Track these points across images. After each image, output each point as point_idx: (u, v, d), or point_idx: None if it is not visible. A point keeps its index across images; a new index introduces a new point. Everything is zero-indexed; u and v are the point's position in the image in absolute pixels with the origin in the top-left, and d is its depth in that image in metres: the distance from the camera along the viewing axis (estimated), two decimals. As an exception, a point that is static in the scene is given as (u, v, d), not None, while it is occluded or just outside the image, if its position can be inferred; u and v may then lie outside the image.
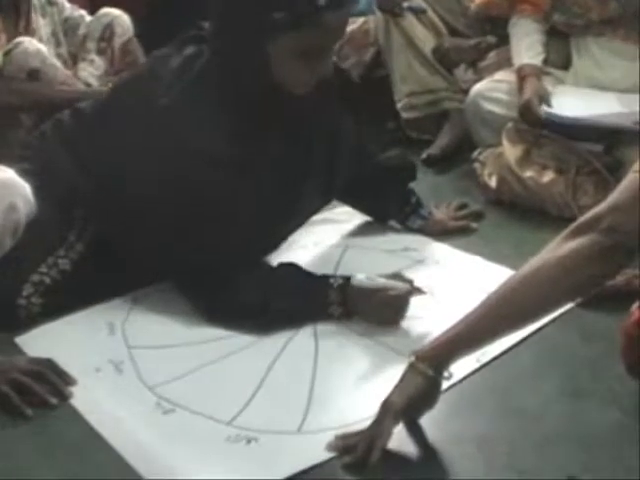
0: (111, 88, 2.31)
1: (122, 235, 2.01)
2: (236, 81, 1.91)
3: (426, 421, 1.57)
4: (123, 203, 1.98)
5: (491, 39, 3.05)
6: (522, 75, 2.69)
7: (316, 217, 2.26)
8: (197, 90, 1.91)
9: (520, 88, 2.66)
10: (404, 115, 3.13)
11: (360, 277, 1.95)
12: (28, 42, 2.63)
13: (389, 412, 1.49)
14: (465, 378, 1.73)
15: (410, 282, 1.95)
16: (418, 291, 1.95)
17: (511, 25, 2.85)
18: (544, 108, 2.58)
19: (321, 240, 2.33)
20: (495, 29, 3.01)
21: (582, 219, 1.49)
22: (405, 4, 3.03)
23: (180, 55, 1.98)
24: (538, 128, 2.58)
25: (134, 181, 1.94)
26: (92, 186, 2.02)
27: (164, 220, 1.92)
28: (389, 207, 2.40)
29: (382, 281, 1.95)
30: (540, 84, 2.65)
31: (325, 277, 1.98)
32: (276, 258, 2.11)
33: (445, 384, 1.56)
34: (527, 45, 2.76)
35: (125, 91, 2.11)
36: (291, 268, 2.01)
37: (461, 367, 1.63)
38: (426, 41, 3.08)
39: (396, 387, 1.51)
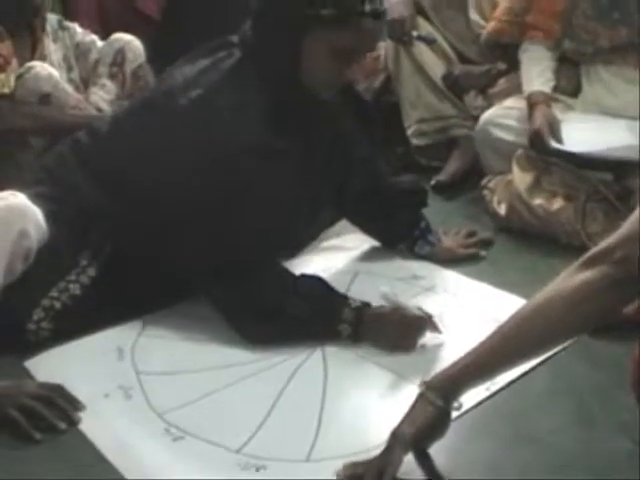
0: (127, 105, 2.33)
1: (145, 245, 2.01)
2: (266, 76, 1.95)
3: (436, 449, 1.56)
4: (151, 208, 1.98)
5: (501, 66, 3.05)
6: (532, 102, 2.69)
7: (325, 244, 2.27)
8: (231, 81, 1.95)
9: (530, 116, 2.66)
10: (414, 141, 3.14)
11: (385, 289, 1.96)
12: (40, 66, 2.65)
13: (398, 442, 1.49)
14: (475, 406, 1.72)
15: (429, 316, 1.96)
16: (435, 327, 1.95)
17: (522, 51, 2.86)
18: (553, 143, 2.58)
19: (330, 266, 2.32)
20: (505, 56, 3.01)
21: (594, 250, 1.48)
22: (415, 33, 3.05)
23: (207, 58, 2.02)
24: (547, 157, 2.58)
25: (161, 187, 1.95)
26: (114, 204, 2.03)
27: (196, 218, 1.93)
28: (398, 231, 2.40)
29: (404, 303, 1.97)
30: (550, 112, 2.66)
31: (346, 296, 2.00)
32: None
33: (455, 413, 1.55)
34: (537, 72, 2.77)
35: (149, 101, 2.12)
36: (314, 278, 2.04)
37: (471, 396, 1.62)
38: (436, 68, 3.09)
39: (406, 417, 1.51)
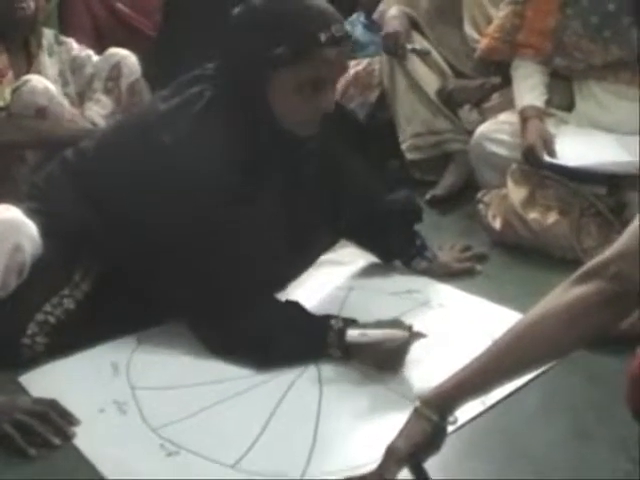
0: (113, 126, 2.33)
1: (128, 271, 2.01)
2: (239, 117, 1.94)
3: (431, 464, 1.55)
4: (131, 240, 1.98)
5: (495, 80, 3.06)
6: (524, 117, 2.69)
7: (321, 258, 2.26)
8: (200, 127, 1.93)
9: (523, 130, 2.66)
10: (408, 156, 3.14)
11: (353, 334, 1.93)
12: (36, 80, 2.65)
13: (393, 457, 1.47)
14: (470, 421, 1.72)
15: (409, 328, 1.95)
16: (418, 335, 1.94)
17: (513, 68, 2.86)
18: (546, 157, 2.58)
19: (326, 281, 2.32)
20: (500, 70, 3.02)
21: (588, 265, 1.48)
22: (409, 46, 3.05)
23: (182, 95, 2.01)
24: (541, 171, 2.58)
25: (140, 219, 1.95)
26: (98, 223, 2.03)
27: (173, 255, 1.93)
28: (394, 247, 2.40)
29: (378, 333, 1.93)
30: (542, 126, 2.66)
31: (327, 318, 1.98)
32: (282, 298, 2.10)
33: (450, 428, 1.54)
34: (529, 87, 2.77)
35: (127, 130, 2.12)
36: (293, 306, 2.02)
37: (466, 410, 1.61)
38: (430, 83, 3.10)
39: (401, 432, 1.49)
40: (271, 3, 1.91)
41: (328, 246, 2.29)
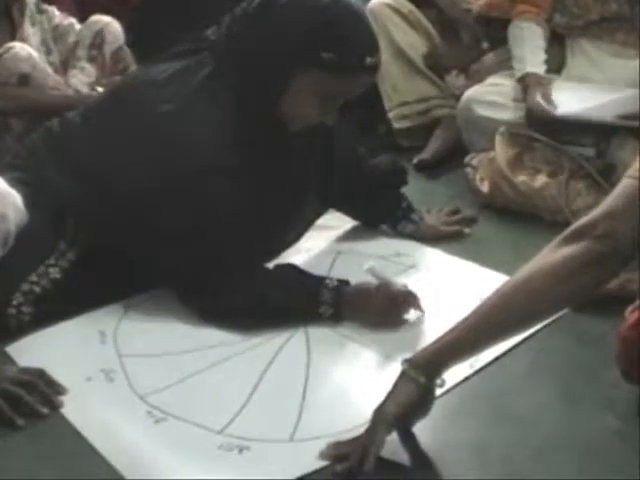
0: (102, 95, 2.30)
1: (116, 242, 1.99)
2: (244, 97, 1.92)
3: (420, 428, 1.56)
4: (120, 211, 1.96)
5: (484, 44, 3.04)
6: (526, 84, 2.67)
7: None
8: (203, 98, 1.92)
9: (525, 95, 2.64)
10: (395, 125, 3.11)
11: (371, 264, 1.96)
12: (19, 47, 2.62)
13: (382, 420, 1.48)
14: (459, 384, 1.71)
15: (414, 295, 1.95)
16: (418, 304, 1.94)
17: (512, 27, 2.82)
18: (555, 110, 2.55)
19: (313, 246, 2.30)
20: (489, 32, 3.00)
21: (576, 225, 1.47)
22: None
23: (180, 64, 1.99)
24: (541, 132, 2.56)
25: (133, 188, 1.93)
26: (83, 194, 2.01)
27: (164, 227, 1.92)
28: (380, 212, 2.39)
29: (386, 276, 1.97)
30: (545, 91, 2.63)
31: (322, 277, 1.99)
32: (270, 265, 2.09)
33: (438, 391, 1.54)
34: (530, 51, 2.74)
35: (119, 98, 2.10)
36: (288, 266, 2.02)
37: (454, 373, 1.62)
38: (416, 48, 3.07)
39: (389, 395, 1.49)
40: (332, 8, 1.88)
41: (319, 215, 2.27)
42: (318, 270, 2.11)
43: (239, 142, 1.91)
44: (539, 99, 2.57)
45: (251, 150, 1.93)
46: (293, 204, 2.07)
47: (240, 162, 1.90)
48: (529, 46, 2.75)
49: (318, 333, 1.92)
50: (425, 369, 1.48)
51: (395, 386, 1.50)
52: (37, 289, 1.95)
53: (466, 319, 1.49)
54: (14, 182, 1.94)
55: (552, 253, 1.46)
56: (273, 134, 1.97)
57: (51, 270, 1.98)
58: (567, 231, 1.48)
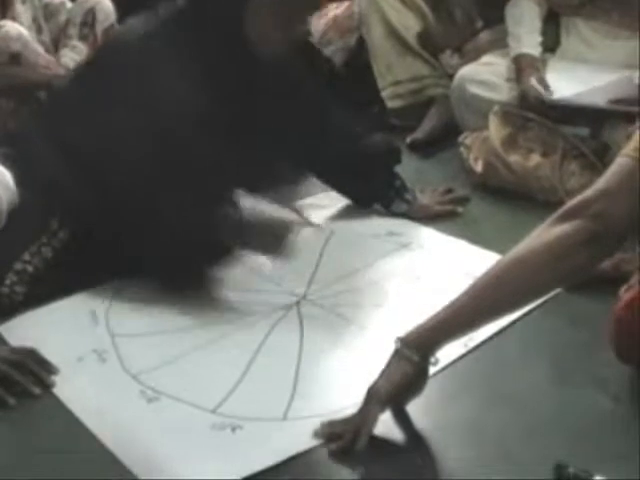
0: (83, 64, 2.30)
1: (101, 220, 1.98)
2: (208, 29, 1.94)
3: (413, 407, 1.56)
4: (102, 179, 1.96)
5: (479, 23, 3.03)
6: (520, 65, 2.66)
7: (299, 203, 2.24)
8: (165, 34, 1.95)
9: (519, 77, 2.64)
10: (389, 104, 3.10)
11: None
12: (10, 26, 2.60)
13: (375, 399, 1.47)
14: (452, 364, 1.71)
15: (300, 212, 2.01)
16: (308, 222, 2.00)
17: (510, 5, 2.81)
18: (547, 95, 2.55)
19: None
20: (483, 11, 2.99)
21: (569, 204, 1.47)
22: None
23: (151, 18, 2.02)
24: (526, 113, 2.55)
25: (109, 151, 1.93)
26: (67, 172, 1.99)
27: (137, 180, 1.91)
28: (373, 190, 2.38)
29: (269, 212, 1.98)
30: (539, 74, 2.62)
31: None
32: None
33: (432, 370, 1.54)
34: (526, 32, 2.72)
35: (94, 65, 2.11)
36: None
37: (448, 353, 1.61)
38: (409, 27, 3.05)
39: (382, 373, 1.49)
40: None
41: (290, 181, 2.26)
42: (311, 249, 2.11)
43: (203, 82, 1.91)
44: (533, 83, 2.56)
45: (215, 91, 1.93)
46: (247, 149, 2.04)
47: (203, 103, 1.90)
48: (526, 26, 2.74)
49: (311, 312, 1.93)
50: (419, 347, 1.48)
51: (388, 364, 1.50)
52: (30, 268, 1.94)
53: (459, 297, 1.49)
54: (4, 159, 1.93)
55: (546, 232, 1.46)
56: (241, 68, 1.98)
57: (43, 250, 1.97)
58: (561, 210, 1.47)
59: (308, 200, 2.43)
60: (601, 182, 1.46)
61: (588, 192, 1.46)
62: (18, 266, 1.94)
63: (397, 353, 1.49)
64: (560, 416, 1.58)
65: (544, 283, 1.50)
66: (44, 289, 1.95)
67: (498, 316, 1.55)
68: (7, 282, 1.92)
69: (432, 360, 1.51)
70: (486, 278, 1.48)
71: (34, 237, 1.98)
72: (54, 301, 1.96)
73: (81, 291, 2.01)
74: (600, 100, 2.45)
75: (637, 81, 2.40)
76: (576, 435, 1.52)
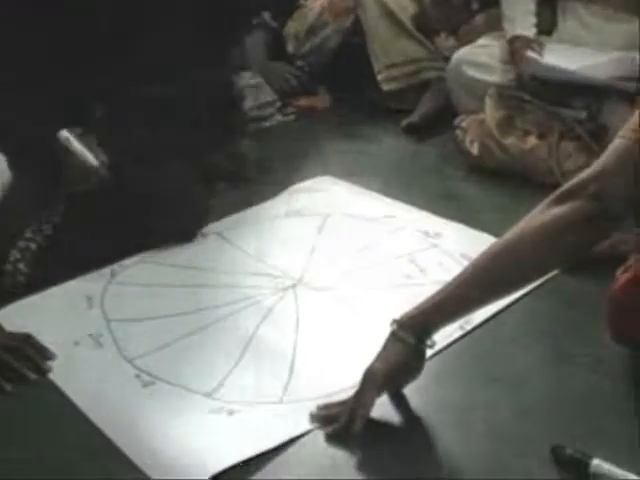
0: None
1: None
2: None
3: (409, 389, 1.56)
4: None
5: (474, 5, 3.01)
6: (515, 47, 2.65)
7: (295, 186, 2.26)
8: None
9: (514, 60, 2.63)
10: (384, 87, 3.08)
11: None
12: None
13: (371, 382, 1.47)
14: (449, 346, 1.71)
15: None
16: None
17: None
18: (545, 63, 2.53)
19: (302, 208, 2.31)
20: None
21: (567, 185, 1.46)
22: None
23: None
24: (537, 94, 2.54)
25: None
26: None
27: None
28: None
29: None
30: (533, 57, 2.61)
31: None
32: (253, 228, 2.08)
33: (428, 352, 1.54)
34: (521, 14, 2.71)
35: None
36: None
37: (445, 335, 1.61)
38: (405, 9, 3.04)
39: (378, 356, 1.49)
40: None
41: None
42: (308, 231, 2.11)
43: None
44: (529, 54, 2.55)
45: None
46: None
47: None
48: (520, 8, 2.72)
49: (307, 295, 1.93)
50: (414, 330, 1.48)
51: (384, 347, 1.49)
52: (33, 246, 1.96)
53: (456, 279, 1.48)
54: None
55: (542, 213, 1.46)
56: None
57: (44, 227, 2.00)
58: (558, 191, 1.47)
59: (305, 183, 2.44)
60: (598, 163, 1.45)
61: (585, 173, 1.46)
62: (22, 244, 1.95)
63: (393, 335, 1.49)
64: (556, 397, 1.58)
65: (541, 264, 1.50)
66: (45, 268, 1.95)
67: (495, 298, 1.54)
68: (11, 259, 1.93)
69: (428, 343, 1.50)
70: (483, 260, 1.48)
71: (34, 214, 2.00)
72: (51, 287, 1.95)
73: (80, 271, 2.00)
74: (600, 76, 2.44)
75: (638, 61, 2.39)
76: (573, 416, 1.52)
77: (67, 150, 2.00)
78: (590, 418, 1.51)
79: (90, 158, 2.02)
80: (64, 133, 2.00)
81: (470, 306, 1.51)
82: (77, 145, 2.01)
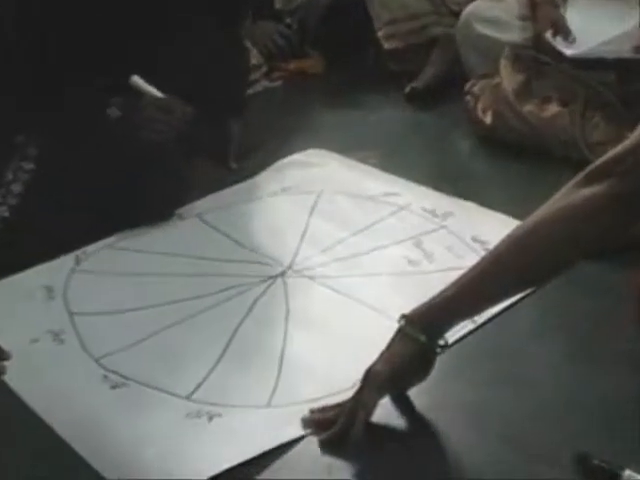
0: None
1: None
2: None
3: (414, 389, 1.55)
4: None
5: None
6: (536, 1, 2.66)
7: (286, 160, 2.26)
8: None
9: (533, 17, 2.64)
10: (385, 46, 3.09)
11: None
12: None
13: (373, 383, 1.46)
14: (458, 341, 1.70)
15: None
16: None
17: None
18: (563, 49, 2.54)
19: (292, 185, 2.32)
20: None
21: (598, 163, 1.44)
22: None
23: None
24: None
25: None
26: None
27: None
28: None
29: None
30: (556, 11, 2.62)
31: None
32: (236, 209, 2.08)
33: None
34: None
35: None
36: None
37: (454, 329, 1.60)
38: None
39: (382, 355, 1.48)
40: None
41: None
42: (299, 211, 2.11)
43: None
44: (549, 37, 2.55)
45: None
46: None
47: None
48: None
49: (298, 284, 1.93)
50: (426, 327, 1.47)
51: (390, 345, 1.48)
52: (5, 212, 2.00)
53: (473, 269, 1.46)
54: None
55: (570, 195, 1.43)
56: None
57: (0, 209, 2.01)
58: (587, 170, 1.44)
59: (295, 156, 2.45)
60: (635, 135, 1.44)
61: (619, 147, 1.43)
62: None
63: (400, 332, 1.48)
64: (578, 397, 1.58)
65: (570, 253, 1.46)
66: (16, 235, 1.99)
67: (520, 290, 1.54)
68: None
69: (441, 342, 1.49)
70: (504, 246, 1.46)
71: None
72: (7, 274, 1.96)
73: (40, 259, 2.01)
74: (627, 48, 2.44)
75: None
76: (597, 419, 1.52)
77: (139, 91, 2.24)
78: (617, 421, 1.51)
79: (159, 94, 2.24)
80: (135, 78, 2.25)
81: (490, 299, 1.50)
82: (147, 86, 2.25)
